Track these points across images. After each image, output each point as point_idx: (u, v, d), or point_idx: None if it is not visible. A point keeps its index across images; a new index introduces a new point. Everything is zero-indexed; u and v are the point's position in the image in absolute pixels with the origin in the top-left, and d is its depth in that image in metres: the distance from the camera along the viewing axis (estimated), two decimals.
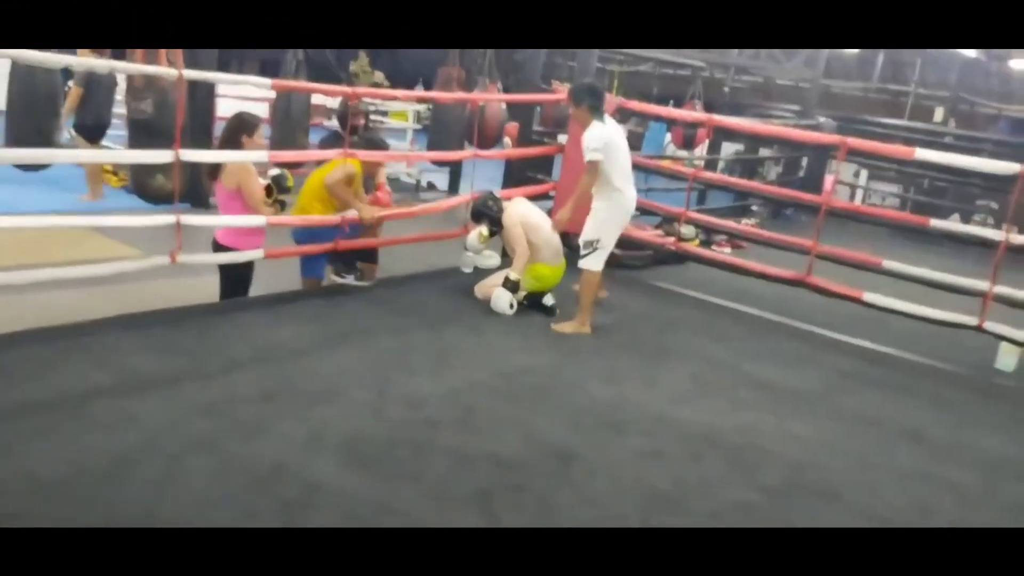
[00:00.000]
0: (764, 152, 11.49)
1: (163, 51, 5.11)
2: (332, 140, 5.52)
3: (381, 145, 5.13)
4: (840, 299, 5.13)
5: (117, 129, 9.47)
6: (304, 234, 4.66)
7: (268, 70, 9.51)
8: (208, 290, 4.48)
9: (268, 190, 4.21)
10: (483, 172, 5.86)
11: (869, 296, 4.99)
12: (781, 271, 5.39)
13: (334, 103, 12.26)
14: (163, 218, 4.03)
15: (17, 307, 4.22)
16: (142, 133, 5.36)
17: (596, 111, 4.51)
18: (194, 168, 5.62)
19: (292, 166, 5.22)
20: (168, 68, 4.36)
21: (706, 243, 7.49)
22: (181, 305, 4.22)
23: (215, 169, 4.16)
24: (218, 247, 4.23)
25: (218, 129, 7.75)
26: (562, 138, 6.92)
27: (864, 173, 12.33)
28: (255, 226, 4.17)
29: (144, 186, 5.59)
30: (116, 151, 7.37)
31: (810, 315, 5.45)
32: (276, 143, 7.34)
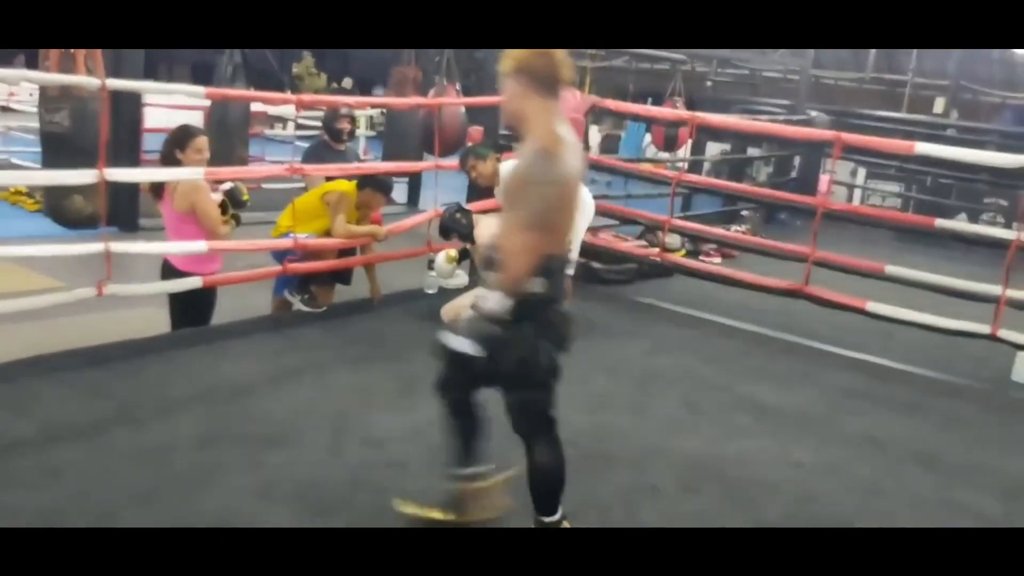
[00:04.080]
0: (753, 151, 11.64)
1: (81, 55, 5.08)
2: (320, 150, 5.53)
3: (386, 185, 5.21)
4: (841, 310, 5.20)
5: (30, 146, 9.41)
6: (282, 254, 4.75)
7: (201, 75, 9.47)
8: (143, 324, 4.43)
9: (222, 206, 4.20)
10: (445, 182, 5.88)
11: (872, 306, 5.05)
12: (776, 281, 5.44)
13: (277, 110, 12.27)
14: (89, 245, 3.99)
15: None
16: (57, 149, 5.29)
17: (498, 160, 4.91)
18: (120, 188, 5.58)
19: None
20: (88, 77, 4.34)
21: (693, 253, 7.56)
22: (110, 342, 4.16)
23: (158, 188, 4.14)
24: (173, 273, 4.20)
25: (147, 142, 7.79)
26: None
27: (862, 171, 12.53)
28: (206, 250, 4.17)
29: (60, 209, 5.51)
30: (30, 171, 7.28)
31: (809, 329, 5.51)
32: (212, 157, 7.29)
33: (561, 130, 2.48)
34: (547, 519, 2.71)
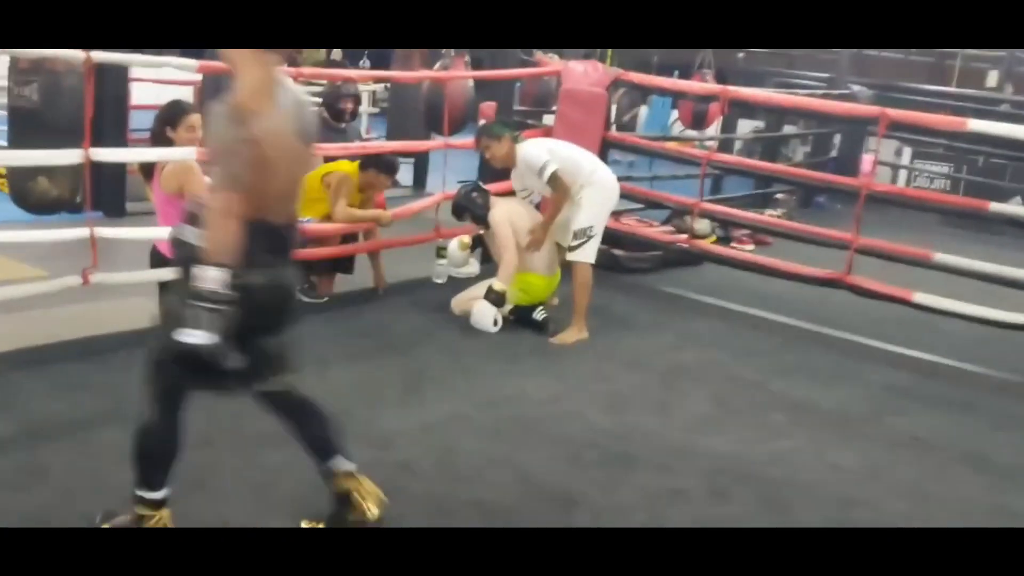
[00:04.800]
0: (788, 129, 11.58)
1: None
2: (320, 128, 5.57)
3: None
4: (885, 301, 5.19)
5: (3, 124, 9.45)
6: None
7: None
8: (131, 315, 4.46)
9: None
10: (454, 163, 5.90)
11: (919, 296, 5.04)
12: (815, 270, 5.43)
13: None
14: (73, 231, 4.02)
15: None
16: (25, 126, 5.28)
17: (515, 139, 4.97)
18: (106, 170, 5.60)
19: None
20: (71, 49, 4.36)
21: (724, 240, 7.55)
22: (97, 334, 4.20)
23: (148, 168, 4.17)
24: (161, 260, 4.23)
25: (134, 120, 7.83)
26: (548, 119, 6.97)
27: (907, 151, 12.44)
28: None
29: (24, 192, 5.52)
30: (5, 151, 7.33)
31: (850, 321, 5.50)
32: (205, 136, 7.33)
33: (270, 85, 2.48)
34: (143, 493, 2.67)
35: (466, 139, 6.16)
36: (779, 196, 9.30)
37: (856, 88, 10.83)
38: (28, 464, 3.04)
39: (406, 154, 9.79)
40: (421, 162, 10.24)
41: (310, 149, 2.82)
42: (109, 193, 6.82)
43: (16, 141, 5.53)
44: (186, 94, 8.53)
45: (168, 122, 4.15)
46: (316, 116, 2.63)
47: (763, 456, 3.68)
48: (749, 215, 6.60)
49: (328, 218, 4.82)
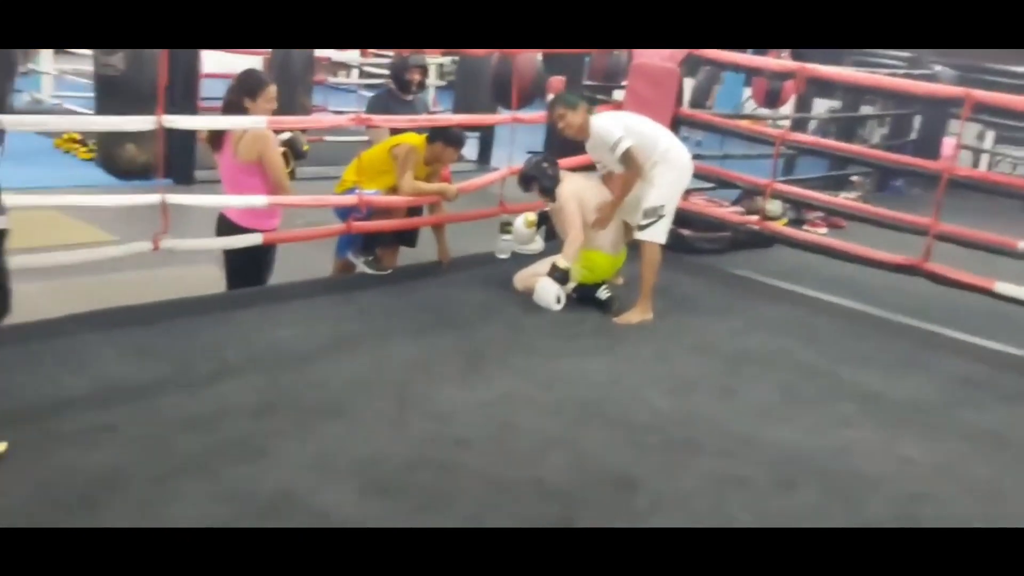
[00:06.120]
0: (866, 110, 11.31)
1: None
2: (386, 100, 5.59)
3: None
4: (964, 290, 5.06)
5: (85, 91, 9.70)
6: (347, 212, 4.82)
7: None
8: (199, 282, 4.55)
9: (284, 157, 4.27)
10: (520, 138, 5.86)
11: (1001, 286, 4.90)
12: (890, 255, 5.33)
13: (342, 56, 12.39)
14: (145, 196, 4.10)
15: None
16: (111, 94, 5.43)
17: (589, 111, 4.84)
18: (176, 137, 5.71)
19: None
20: None
21: (796, 222, 7.43)
22: (164, 300, 4.29)
23: (217, 137, 4.22)
24: (231, 228, 4.30)
25: (204, 89, 7.95)
26: (618, 94, 6.89)
27: (990, 135, 12.07)
28: (274, 205, 4.26)
29: (112, 158, 5.66)
30: (85, 116, 7.51)
31: (926, 310, 5.36)
32: None
33: None
34: None
35: (534, 113, 6.13)
36: (854, 179, 9.11)
37: (939, 68, 10.52)
38: (98, 423, 3.12)
39: (472, 128, 9.82)
40: (486, 136, 10.25)
41: None
42: (179, 161, 6.97)
43: (102, 108, 5.69)
44: (256, 63, 8.65)
45: (247, 92, 4.20)
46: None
47: (830, 447, 3.61)
48: (823, 197, 6.47)
49: (394, 190, 4.84)
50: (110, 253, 4.18)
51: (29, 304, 4.14)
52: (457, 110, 9.23)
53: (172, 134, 4.28)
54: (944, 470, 3.53)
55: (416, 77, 5.62)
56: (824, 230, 7.42)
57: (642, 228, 4.80)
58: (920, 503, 3.25)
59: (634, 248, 4.98)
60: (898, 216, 5.60)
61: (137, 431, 3.11)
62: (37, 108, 9.93)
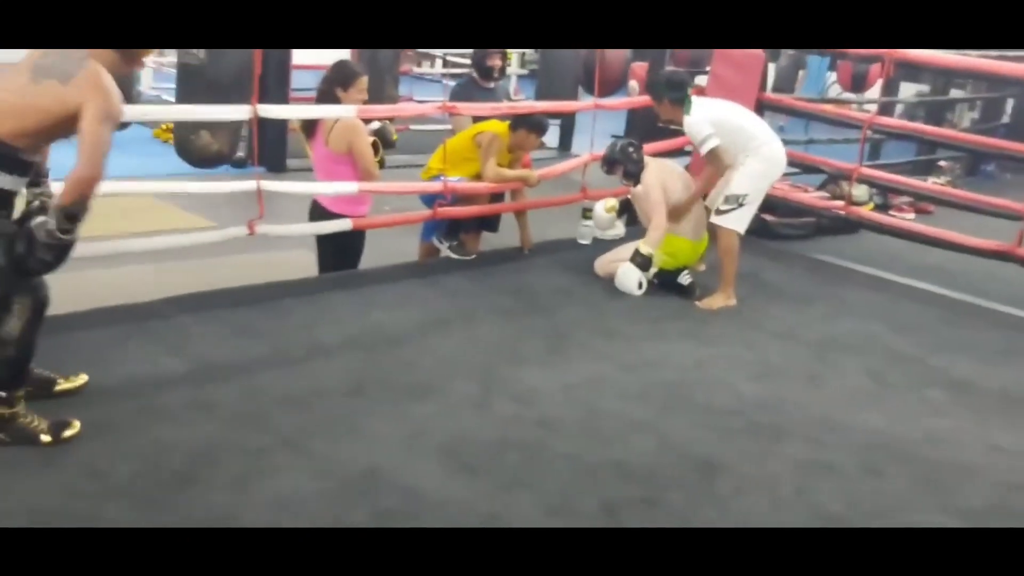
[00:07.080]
0: (955, 94, 10.94)
1: None
2: (469, 88, 5.62)
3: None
4: None
5: (165, 82, 9.96)
6: (432, 198, 4.88)
7: None
8: (291, 266, 4.65)
9: (373, 146, 4.34)
10: (600, 125, 5.83)
11: None
12: (981, 242, 5.20)
13: None
14: (241, 183, 4.20)
15: (75, 284, 4.46)
16: (191, 83, 5.51)
17: (680, 101, 4.72)
18: (269, 126, 5.82)
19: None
20: None
21: (883, 207, 7.27)
22: (258, 283, 4.40)
23: (309, 127, 4.31)
24: (323, 214, 4.40)
25: (295, 80, 8.09)
26: (701, 80, 6.79)
27: None
28: (364, 192, 4.34)
29: (187, 144, 5.75)
30: (182, 107, 7.71)
31: (1020, 297, 5.19)
32: None
33: None
34: None
35: (616, 100, 6.09)
36: (942, 163, 8.83)
37: None
38: (196, 401, 3.21)
39: (553, 115, 9.81)
40: (567, 124, 10.22)
41: None
42: (271, 149, 7.12)
43: (182, 98, 5.81)
44: (346, 54, 8.76)
45: (340, 83, 4.27)
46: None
47: (919, 434, 3.52)
48: (911, 182, 6.29)
49: (478, 177, 4.87)
50: (209, 238, 4.30)
51: (125, 287, 4.32)
52: (539, 97, 9.22)
53: (265, 123, 4.38)
54: None
55: (497, 63, 5.62)
56: (912, 215, 7.25)
57: (720, 213, 4.73)
58: (1015, 492, 3.15)
59: (712, 233, 4.92)
60: (991, 201, 5.44)
61: (234, 408, 3.20)
62: (136, 99, 10.22)
